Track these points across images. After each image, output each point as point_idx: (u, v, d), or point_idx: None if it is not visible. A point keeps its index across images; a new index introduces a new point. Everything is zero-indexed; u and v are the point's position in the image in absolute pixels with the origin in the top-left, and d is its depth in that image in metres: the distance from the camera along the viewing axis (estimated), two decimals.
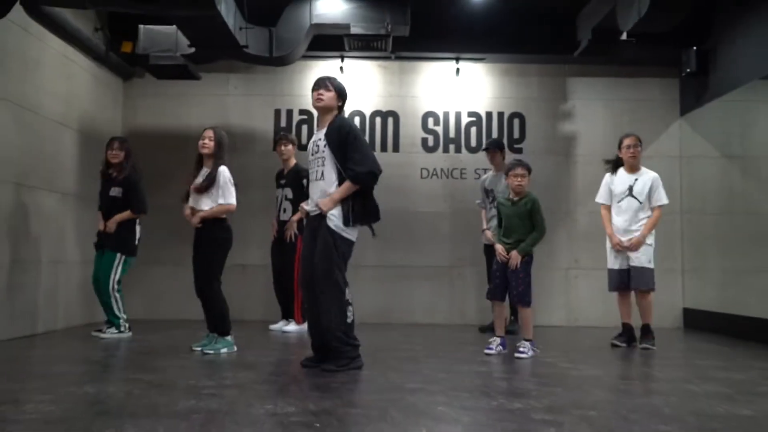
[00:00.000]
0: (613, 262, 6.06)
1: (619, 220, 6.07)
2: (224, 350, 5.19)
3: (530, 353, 5.17)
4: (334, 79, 4.83)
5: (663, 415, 3.24)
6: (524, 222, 5.34)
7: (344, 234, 4.44)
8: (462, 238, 8.10)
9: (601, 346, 6.03)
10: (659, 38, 7.35)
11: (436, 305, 7.96)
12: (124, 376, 4.15)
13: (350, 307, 4.46)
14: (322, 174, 4.54)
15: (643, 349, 5.85)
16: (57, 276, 6.78)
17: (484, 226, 7.06)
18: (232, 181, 5.36)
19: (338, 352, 4.42)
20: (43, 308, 6.49)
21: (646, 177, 6.07)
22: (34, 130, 6.37)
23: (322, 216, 4.45)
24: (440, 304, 7.99)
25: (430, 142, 8.47)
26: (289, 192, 6.87)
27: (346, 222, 4.42)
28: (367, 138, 8.34)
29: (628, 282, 6.00)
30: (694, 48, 7.69)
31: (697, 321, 7.17)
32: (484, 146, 7.51)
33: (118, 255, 6.18)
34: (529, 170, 5.40)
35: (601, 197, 6.21)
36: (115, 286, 6.16)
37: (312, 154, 4.68)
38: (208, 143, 5.39)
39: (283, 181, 6.96)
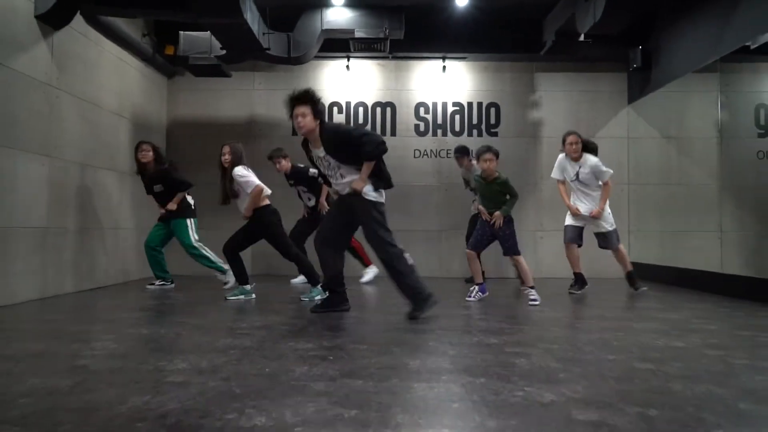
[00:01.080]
0: (570, 220, 6.03)
1: (574, 197, 6.04)
2: (317, 297, 5.24)
3: (539, 298, 5.15)
4: (306, 93, 4.36)
5: (612, 347, 3.27)
6: (497, 197, 5.31)
7: (378, 199, 4.32)
8: (448, 207, 8.11)
9: (561, 293, 6.07)
10: (611, 39, 7.29)
11: (428, 262, 7.98)
12: (173, 320, 4.18)
13: (407, 254, 4.30)
14: (341, 175, 4.37)
15: (641, 291, 5.94)
16: (117, 240, 6.79)
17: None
18: (247, 170, 5.27)
19: (416, 297, 4.28)
20: (105, 266, 6.52)
21: (587, 164, 5.92)
22: (95, 120, 6.34)
23: (357, 196, 4.27)
24: (431, 262, 8.03)
25: (422, 128, 8.43)
26: (303, 187, 6.76)
27: (376, 188, 4.31)
28: (369, 125, 8.34)
29: (580, 237, 6.00)
30: (640, 47, 7.62)
31: (641, 272, 7.17)
32: (454, 153, 7.32)
33: (187, 220, 6.24)
34: (497, 155, 5.32)
35: (554, 173, 6.14)
36: (198, 244, 6.24)
37: (326, 169, 4.41)
38: (227, 158, 5.32)
39: (292, 182, 6.78)
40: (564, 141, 6.06)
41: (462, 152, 7.21)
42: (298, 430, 1.90)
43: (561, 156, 6.14)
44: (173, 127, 8.30)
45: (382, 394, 2.30)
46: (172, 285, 6.34)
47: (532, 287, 5.25)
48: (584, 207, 5.96)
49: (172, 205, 6.19)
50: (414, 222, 8.13)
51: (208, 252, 6.28)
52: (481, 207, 5.44)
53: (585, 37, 7.03)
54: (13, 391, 2.33)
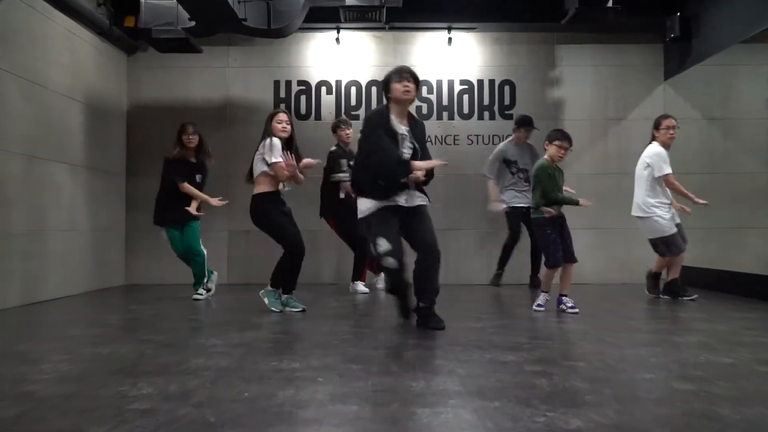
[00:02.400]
0: (672, 224, 6.06)
1: (664, 198, 6.09)
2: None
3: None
4: (413, 71, 4.65)
5: (648, 364, 3.28)
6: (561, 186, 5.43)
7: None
8: (456, 203, 8.10)
9: (589, 301, 6.06)
10: (644, 5, 7.29)
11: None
12: (135, 337, 4.18)
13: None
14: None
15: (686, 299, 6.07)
16: (70, 244, 6.78)
17: (496, 198, 7.13)
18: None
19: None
20: (56, 275, 6.51)
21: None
22: (42, 102, 6.31)
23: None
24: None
25: (424, 110, 8.42)
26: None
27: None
28: (363, 107, 8.33)
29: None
30: (678, 14, 7.62)
31: (681, 276, 7.18)
32: (521, 120, 7.42)
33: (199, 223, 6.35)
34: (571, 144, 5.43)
35: (668, 168, 6.08)
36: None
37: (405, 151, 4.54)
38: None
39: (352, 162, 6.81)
40: (659, 125, 6.10)
41: (529, 124, 7.29)
42: None
43: (660, 149, 6.09)
44: (135, 111, 8.28)
45: (381, 422, 2.29)
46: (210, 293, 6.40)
47: (546, 291, 5.39)
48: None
49: (196, 210, 6.23)
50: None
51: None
52: (547, 207, 5.36)
53: (613, 3, 7.01)
54: None
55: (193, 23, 7.04)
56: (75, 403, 2.57)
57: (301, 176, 5.35)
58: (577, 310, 5.20)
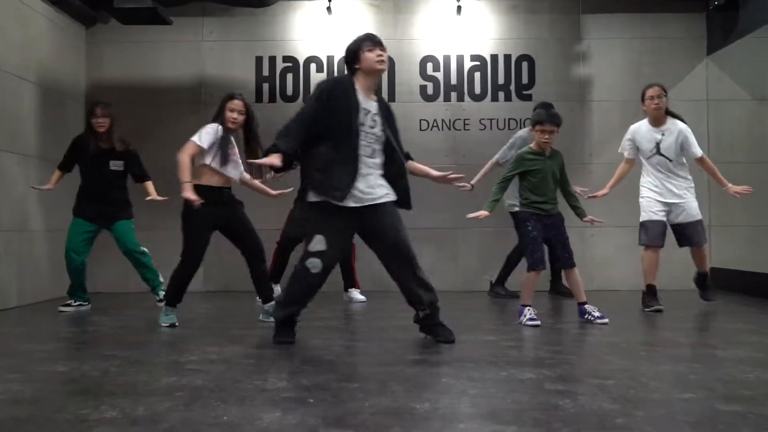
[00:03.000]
0: (651, 214, 6.10)
1: (654, 180, 6.11)
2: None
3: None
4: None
5: (687, 382, 3.28)
6: (557, 178, 5.39)
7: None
8: (466, 197, 8.08)
9: (617, 309, 6.08)
10: None
11: (440, 271, 7.99)
12: (98, 353, 4.18)
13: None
14: (374, 154, 4.46)
15: (710, 302, 6.17)
16: (22, 245, 6.79)
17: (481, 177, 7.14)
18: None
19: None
20: (7, 281, 6.52)
21: (674, 130, 6.06)
22: None
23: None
24: (443, 269, 8.02)
25: (430, 90, 8.42)
26: None
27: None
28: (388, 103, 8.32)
29: (664, 235, 6.11)
30: None
31: (725, 281, 7.21)
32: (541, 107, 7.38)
33: (132, 220, 6.35)
34: (559, 126, 5.38)
35: (624, 146, 6.25)
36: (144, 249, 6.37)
37: (366, 127, 4.43)
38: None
39: None
40: (644, 96, 6.16)
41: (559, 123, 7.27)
42: None
43: (635, 125, 6.19)
44: (95, 92, 8.27)
45: None
46: (89, 306, 6.35)
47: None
48: (671, 189, 6.07)
49: (156, 196, 6.21)
50: (419, 218, 8.06)
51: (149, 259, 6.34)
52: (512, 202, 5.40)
53: None
54: None
55: None
56: (29, 428, 2.58)
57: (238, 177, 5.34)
58: (606, 320, 5.21)
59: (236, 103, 5.31)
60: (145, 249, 6.34)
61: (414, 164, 4.71)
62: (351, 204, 4.32)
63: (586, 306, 5.32)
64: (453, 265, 8.14)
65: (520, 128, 7.72)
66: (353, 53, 4.50)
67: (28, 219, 6.95)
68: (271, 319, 4.85)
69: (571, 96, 8.35)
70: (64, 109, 7.73)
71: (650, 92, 6.11)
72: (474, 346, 4.34)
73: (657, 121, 6.11)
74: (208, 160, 5.15)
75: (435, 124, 8.37)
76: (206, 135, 5.15)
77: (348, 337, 4.90)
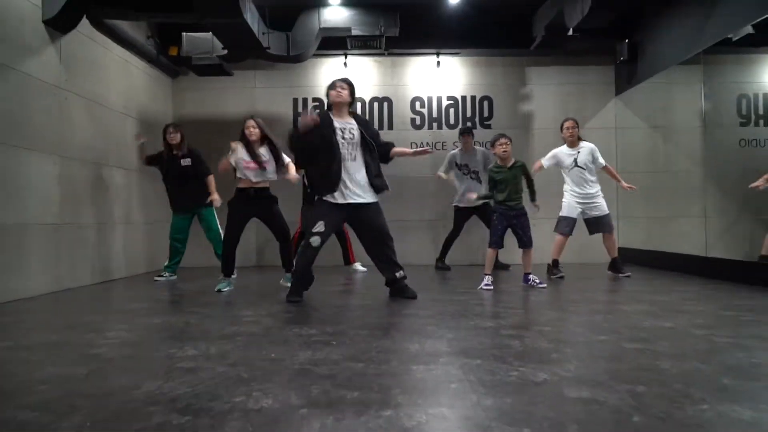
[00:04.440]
0: (567, 211, 6.05)
1: (573, 186, 6.06)
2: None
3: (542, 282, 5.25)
4: (348, 79, 4.67)
5: (602, 328, 3.29)
6: (518, 181, 5.28)
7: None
8: (443, 198, 8.09)
9: (551, 280, 6.07)
10: (598, 32, 7.27)
11: (423, 250, 7.99)
12: (183, 309, 4.19)
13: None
14: (355, 158, 4.47)
15: (626, 276, 6.00)
16: (126, 234, 6.80)
17: (465, 192, 7.11)
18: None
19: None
20: (116, 259, 6.53)
21: (586, 149, 6.05)
22: (103, 119, 6.32)
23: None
24: (427, 250, 8.02)
25: (418, 121, 8.41)
26: None
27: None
28: (366, 119, 8.32)
29: (573, 228, 6.05)
30: (626, 40, 7.60)
31: (629, 257, 7.20)
32: (461, 130, 7.33)
33: (213, 208, 6.17)
34: (510, 140, 5.31)
35: (545, 160, 6.15)
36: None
37: (346, 140, 4.45)
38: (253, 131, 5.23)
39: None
40: (562, 127, 6.11)
41: (469, 132, 7.22)
42: (303, 412, 1.92)
43: (557, 149, 6.15)
44: (179, 124, 8.26)
45: (383, 377, 2.31)
46: (175, 277, 6.32)
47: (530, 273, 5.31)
48: (586, 192, 6.00)
49: (217, 197, 5.99)
50: (410, 212, 8.13)
51: None
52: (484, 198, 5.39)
53: (573, 32, 7.00)
54: (31, 378, 2.35)
55: (225, 51, 7.04)
56: (133, 363, 2.60)
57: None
58: (544, 285, 5.20)
59: (249, 122, 5.27)
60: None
61: (396, 149, 4.69)
62: (340, 201, 4.42)
63: (530, 275, 5.30)
64: (434, 246, 8.12)
65: (484, 148, 7.65)
66: (326, 95, 4.64)
67: (131, 215, 6.95)
68: (289, 283, 4.91)
69: (520, 125, 8.33)
70: (156, 136, 7.71)
71: (567, 124, 6.10)
72: (451, 304, 4.34)
73: (572, 144, 6.07)
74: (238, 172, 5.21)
75: (422, 146, 8.32)
76: (232, 152, 5.20)
77: (360, 298, 4.90)
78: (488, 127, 8.28)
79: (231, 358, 2.62)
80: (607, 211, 6.09)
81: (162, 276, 6.24)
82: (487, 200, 5.74)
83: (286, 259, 5.42)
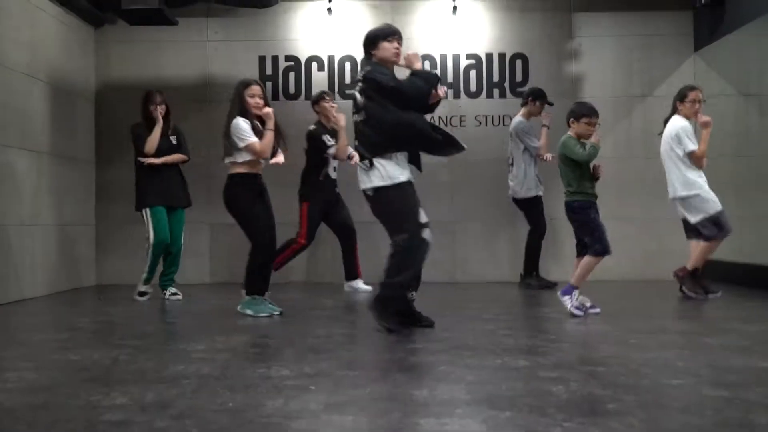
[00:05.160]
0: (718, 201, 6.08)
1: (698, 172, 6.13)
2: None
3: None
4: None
5: (675, 369, 3.29)
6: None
7: None
8: (463, 191, 8.10)
9: (609, 299, 6.06)
10: None
11: (437, 263, 7.98)
12: (109, 342, 4.19)
13: None
14: None
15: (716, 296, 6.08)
16: (34, 239, 6.78)
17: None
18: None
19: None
20: (19, 274, 6.51)
21: None
22: (1, 83, 6.30)
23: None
24: (442, 262, 8.00)
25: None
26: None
27: None
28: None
29: None
30: None
31: (712, 271, 7.20)
32: (534, 93, 7.34)
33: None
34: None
35: (692, 144, 6.09)
36: None
37: None
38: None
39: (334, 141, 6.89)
40: (684, 97, 6.14)
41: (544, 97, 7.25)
42: None
43: (686, 122, 6.13)
44: (104, 91, 8.27)
45: None
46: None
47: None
48: None
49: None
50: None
51: None
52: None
53: None
54: None
55: None
56: (43, 414, 2.59)
57: (281, 158, 5.34)
58: (598, 310, 5.17)
59: (255, 89, 5.29)
60: None
61: None
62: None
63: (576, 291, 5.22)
64: (450, 256, 8.11)
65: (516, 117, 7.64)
66: (372, 39, 4.62)
67: (39, 214, 6.94)
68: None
69: (564, 93, 8.31)
70: (74, 107, 7.72)
71: (693, 95, 6.11)
72: (471, 334, 4.34)
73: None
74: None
75: (432, 121, 8.33)
76: (244, 131, 5.14)
77: (350, 327, 4.90)
78: (521, 95, 8.28)
79: (174, 409, 2.62)
80: None
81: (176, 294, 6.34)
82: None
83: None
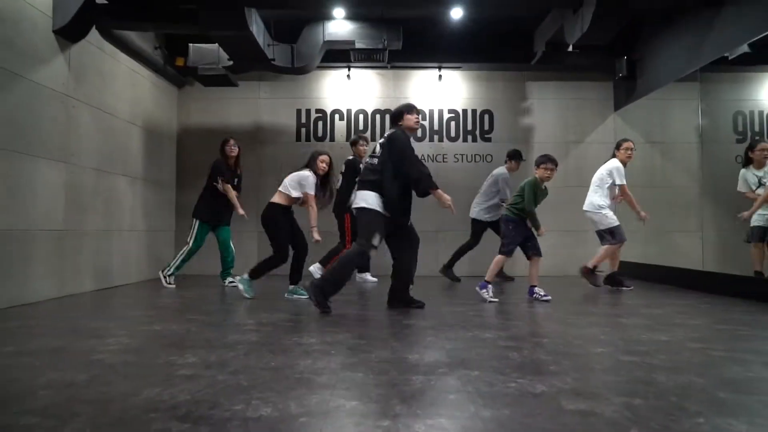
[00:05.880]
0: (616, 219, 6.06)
1: (609, 201, 6.10)
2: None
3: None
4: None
5: (599, 341, 3.28)
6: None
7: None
8: (444, 210, 8.06)
9: (553, 291, 6.04)
10: (598, 49, 7.32)
11: (425, 262, 7.97)
12: (184, 317, 4.18)
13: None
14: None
15: (629, 290, 6.05)
16: (130, 242, 6.80)
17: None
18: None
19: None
20: (119, 266, 6.53)
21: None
22: (109, 127, 6.34)
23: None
24: (428, 261, 8.00)
25: (419, 133, 8.42)
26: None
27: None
28: (369, 131, 8.35)
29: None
30: (625, 57, 7.65)
31: (628, 271, 7.18)
32: (515, 154, 7.18)
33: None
34: (556, 164, 5.28)
35: (622, 179, 6.09)
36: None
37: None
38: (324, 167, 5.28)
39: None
40: (619, 146, 6.14)
41: (516, 157, 7.12)
42: (303, 420, 1.91)
43: (620, 164, 6.10)
44: (183, 134, 8.32)
45: (382, 387, 2.30)
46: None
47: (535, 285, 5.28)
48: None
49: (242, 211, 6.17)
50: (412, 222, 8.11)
51: None
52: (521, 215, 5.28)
53: (573, 48, 7.05)
54: (34, 383, 2.34)
55: (231, 62, 7.09)
56: (134, 369, 2.59)
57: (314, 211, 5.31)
58: (549, 297, 5.16)
59: (324, 157, 5.28)
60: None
61: None
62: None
63: (536, 288, 5.25)
64: (435, 256, 8.10)
65: (483, 161, 7.67)
66: (399, 114, 4.62)
67: (135, 223, 6.96)
68: (294, 296, 5.19)
69: (520, 138, 8.35)
70: (161, 145, 7.76)
71: (627, 144, 6.13)
72: (450, 315, 4.33)
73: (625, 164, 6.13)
74: (296, 193, 5.20)
75: (423, 158, 8.34)
76: (311, 185, 5.18)
77: (360, 308, 4.89)
78: (488, 140, 8.31)
79: (231, 367, 2.61)
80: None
81: (233, 282, 6.32)
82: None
83: (295, 272, 5.40)
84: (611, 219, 6.07)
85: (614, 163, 6.14)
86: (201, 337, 3.34)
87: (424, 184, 4.42)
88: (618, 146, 6.22)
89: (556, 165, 5.28)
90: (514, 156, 7.20)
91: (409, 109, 4.62)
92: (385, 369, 2.58)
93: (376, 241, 4.38)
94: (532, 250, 5.25)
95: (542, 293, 5.21)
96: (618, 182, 6.06)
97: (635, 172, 7.93)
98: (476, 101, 8.48)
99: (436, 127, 8.44)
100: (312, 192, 5.16)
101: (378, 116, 8.42)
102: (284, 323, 3.89)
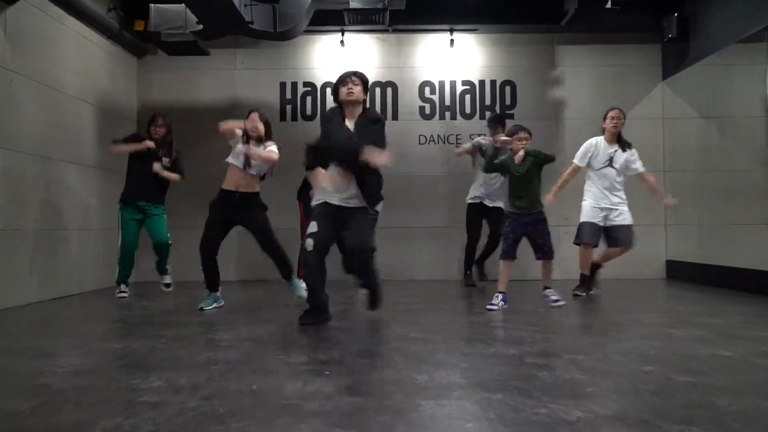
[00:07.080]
0: (588, 216, 5.95)
1: (595, 190, 6.00)
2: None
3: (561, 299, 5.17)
4: (361, 73, 4.65)
5: (647, 357, 3.27)
6: (533, 178, 5.29)
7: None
8: (458, 200, 8.06)
9: (590, 296, 6.04)
10: (641, 5, 7.29)
11: (434, 264, 7.98)
12: (147, 333, 4.18)
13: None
14: None
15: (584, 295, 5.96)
16: (83, 242, 6.79)
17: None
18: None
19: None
20: (70, 273, 6.52)
21: (625, 152, 5.98)
22: (55, 105, 6.33)
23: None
24: (437, 263, 8.01)
25: (427, 110, 8.41)
26: None
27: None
28: (367, 106, 8.31)
29: (598, 236, 5.94)
30: (675, 14, 7.60)
31: (679, 272, 7.20)
32: (492, 118, 7.19)
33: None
34: (530, 135, 5.28)
35: (578, 158, 6.06)
36: None
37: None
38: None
39: None
40: (606, 116, 6.05)
41: (500, 121, 7.05)
42: None
43: (593, 139, 6.08)
44: (145, 112, 8.25)
45: (386, 414, 2.30)
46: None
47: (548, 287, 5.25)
48: (611, 199, 5.93)
49: (166, 174, 6.08)
50: (418, 217, 8.12)
51: None
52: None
53: (612, 4, 7.01)
54: None
55: (200, 26, 7.06)
56: (88, 396, 2.58)
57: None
58: (562, 302, 5.11)
59: (253, 116, 5.37)
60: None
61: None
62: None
63: (547, 289, 5.22)
64: (445, 257, 8.09)
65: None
66: (335, 91, 4.64)
67: (88, 220, 6.95)
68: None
69: (548, 115, 8.33)
70: (118, 126, 7.74)
71: (613, 113, 6.01)
72: (466, 327, 4.33)
73: (612, 139, 6.03)
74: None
75: (432, 139, 8.35)
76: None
77: (360, 320, 4.88)
78: (510, 117, 8.26)
79: (204, 391, 2.61)
80: (631, 222, 5.97)
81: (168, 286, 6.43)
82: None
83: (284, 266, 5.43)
84: (584, 212, 6.03)
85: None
86: (167, 356, 3.33)
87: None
88: (604, 116, 6.13)
89: (526, 131, 5.29)
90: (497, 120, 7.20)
91: (339, 82, 4.61)
92: (389, 392, 2.57)
93: (311, 227, 4.44)
94: (540, 252, 5.20)
95: (554, 297, 5.16)
96: (573, 161, 6.09)
97: (688, 153, 7.92)
98: (495, 70, 8.45)
99: (447, 102, 8.41)
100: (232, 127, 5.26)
101: (378, 90, 8.39)
102: (269, 338, 3.88)
